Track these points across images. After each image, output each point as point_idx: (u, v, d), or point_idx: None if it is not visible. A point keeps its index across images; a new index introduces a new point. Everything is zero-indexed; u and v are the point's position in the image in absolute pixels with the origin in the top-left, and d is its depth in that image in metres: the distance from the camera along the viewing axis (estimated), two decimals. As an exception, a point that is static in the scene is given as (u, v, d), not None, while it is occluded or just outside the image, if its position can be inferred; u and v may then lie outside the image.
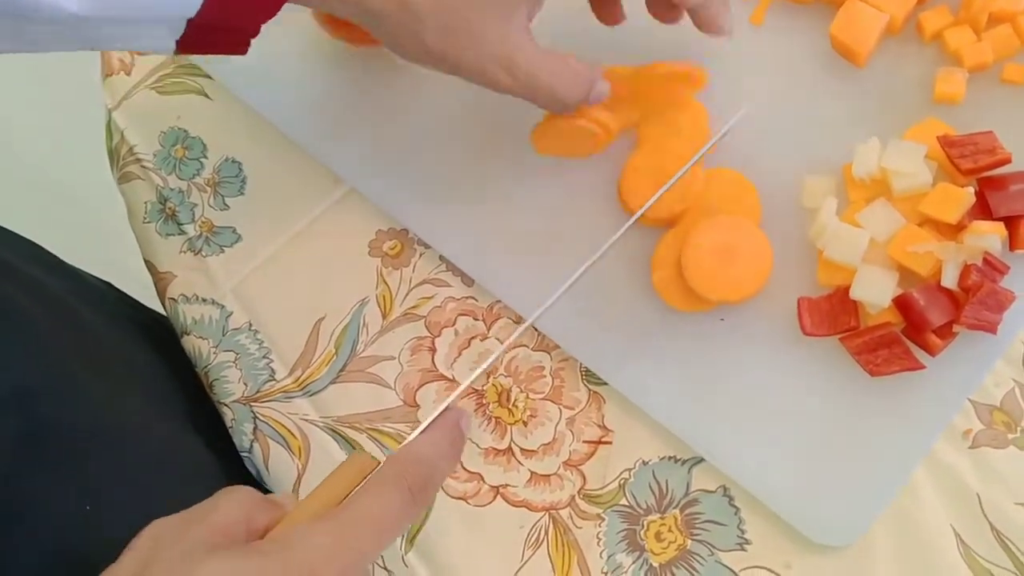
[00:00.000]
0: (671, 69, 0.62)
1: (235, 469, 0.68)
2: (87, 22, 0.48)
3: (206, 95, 0.76)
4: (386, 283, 0.69)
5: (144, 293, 0.79)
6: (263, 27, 0.53)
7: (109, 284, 0.85)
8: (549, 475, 0.63)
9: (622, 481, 0.62)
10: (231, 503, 0.44)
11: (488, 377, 0.66)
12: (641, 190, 0.64)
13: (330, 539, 0.42)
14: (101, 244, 1.00)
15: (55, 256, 0.77)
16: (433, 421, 0.49)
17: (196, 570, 0.40)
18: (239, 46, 0.54)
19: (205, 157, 0.75)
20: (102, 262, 0.86)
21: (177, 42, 0.51)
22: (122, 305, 0.84)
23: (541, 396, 0.65)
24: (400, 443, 0.63)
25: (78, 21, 0.47)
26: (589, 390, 0.64)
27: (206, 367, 0.70)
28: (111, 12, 0.48)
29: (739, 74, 0.66)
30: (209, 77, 0.76)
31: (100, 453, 0.60)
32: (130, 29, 0.50)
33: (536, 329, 0.66)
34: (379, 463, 0.47)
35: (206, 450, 0.70)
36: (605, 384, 0.64)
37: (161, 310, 0.75)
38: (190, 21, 0.50)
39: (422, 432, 0.49)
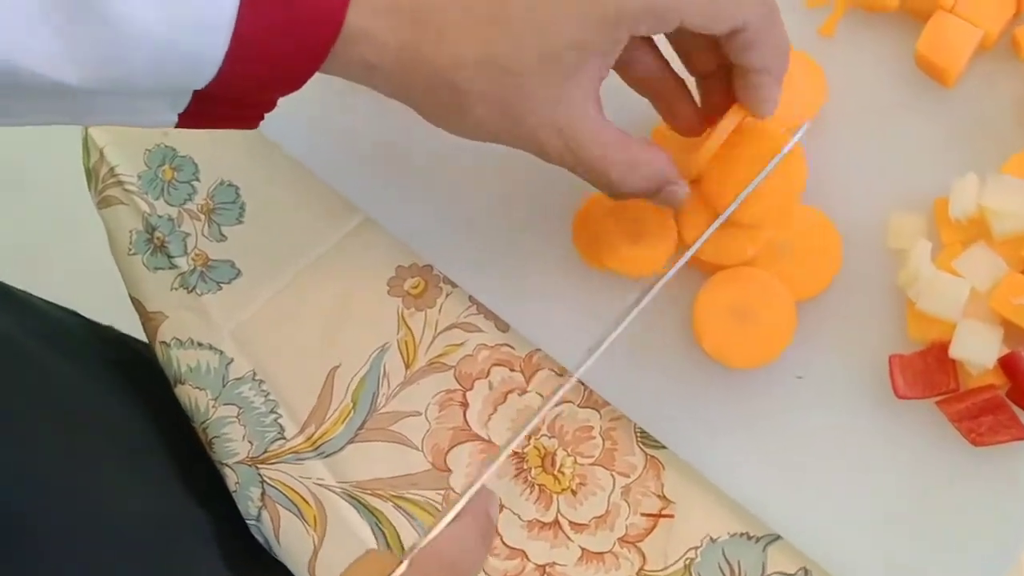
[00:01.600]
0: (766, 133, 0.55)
1: (240, 538, 0.61)
2: (83, 95, 0.41)
3: (196, 108, 0.67)
4: (408, 327, 0.61)
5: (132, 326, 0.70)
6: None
7: (75, 314, 0.77)
8: (603, 553, 0.56)
9: (687, 561, 0.55)
10: None
11: (529, 438, 0.58)
12: (699, 224, 0.56)
13: None
14: (85, 272, 0.90)
15: (28, 299, 0.68)
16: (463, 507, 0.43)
17: None
18: (251, 120, 0.48)
19: (197, 180, 0.67)
20: (84, 292, 0.77)
21: (180, 115, 0.45)
22: (93, 340, 0.75)
23: (591, 461, 0.57)
24: (431, 514, 0.56)
25: (74, 94, 0.41)
26: (646, 454, 0.57)
27: (204, 423, 0.62)
28: (112, 82, 0.41)
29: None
30: (199, 87, 0.67)
31: (64, 549, 0.52)
32: (129, 102, 0.43)
33: (583, 383, 0.58)
34: (399, 562, 0.40)
35: (203, 515, 0.62)
36: (664, 448, 0.57)
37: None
38: (198, 92, 0.43)
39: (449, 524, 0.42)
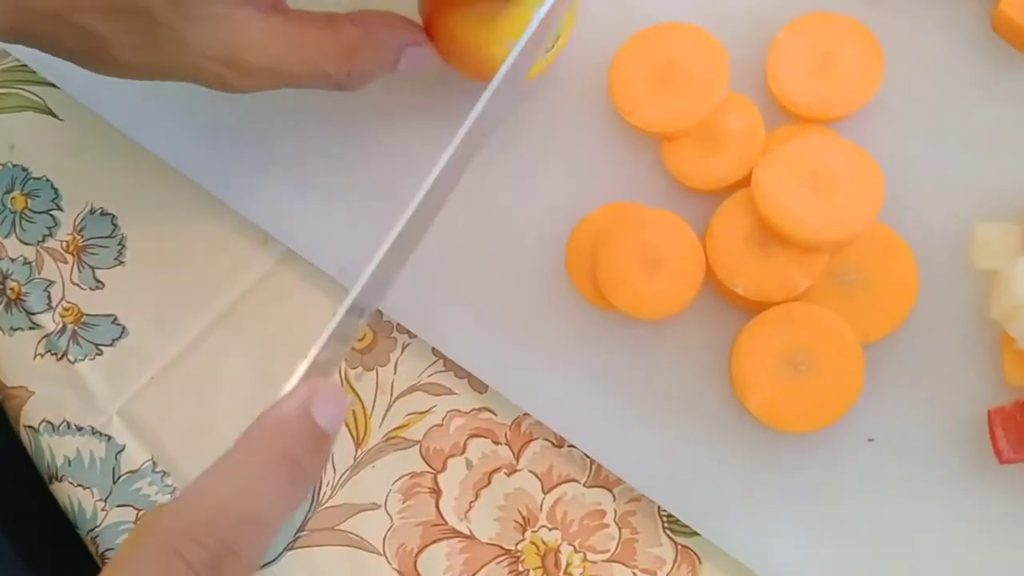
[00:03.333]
0: None
1: None
2: None
3: (52, 113, 0.54)
4: (355, 392, 0.49)
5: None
6: None
7: None
8: (631, 677, 0.44)
9: None
10: None
11: (524, 530, 0.46)
12: (737, 262, 0.45)
13: None
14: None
15: None
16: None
17: None
18: None
19: (59, 208, 0.53)
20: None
21: None
22: None
23: (605, 556, 0.46)
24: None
25: None
26: (676, 545, 0.46)
27: (93, 531, 0.49)
28: None
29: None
30: (53, 85, 0.53)
31: None
32: None
33: (588, 456, 0.47)
34: None
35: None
36: (698, 535, 0.45)
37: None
38: None
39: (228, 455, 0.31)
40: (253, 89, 0.43)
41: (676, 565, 0.45)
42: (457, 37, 0.45)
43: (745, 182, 0.45)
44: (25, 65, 0.53)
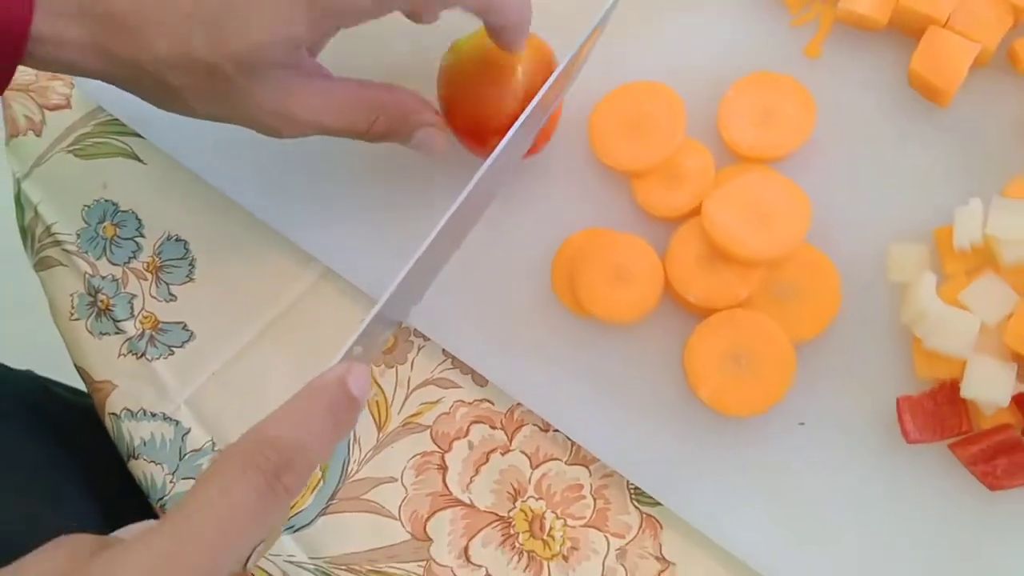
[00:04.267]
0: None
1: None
2: None
3: (137, 158, 0.63)
4: (379, 385, 0.57)
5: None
6: None
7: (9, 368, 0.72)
8: (601, 623, 0.52)
9: (692, 627, 0.51)
10: (42, 559, 0.36)
11: (515, 500, 0.54)
12: (688, 264, 0.53)
13: (161, 555, 0.34)
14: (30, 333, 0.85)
15: None
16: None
17: None
18: None
19: (142, 235, 0.62)
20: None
21: None
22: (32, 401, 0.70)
23: (582, 522, 0.53)
24: (414, 590, 0.52)
25: None
26: (641, 513, 0.53)
27: (162, 500, 0.57)
28: None
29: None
30: (139, 136, 0.63)
31: None
32: None
33: (570, 439, 0.54)
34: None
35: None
36: (660, 505, 0.53)
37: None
38: None
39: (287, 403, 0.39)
40: (297, 136, 0.51)
41: (641, 530, 0.53)
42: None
43: (698, 211, 0.53)
44: (117, 119, 0.63)
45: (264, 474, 0.36)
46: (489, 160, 0.46)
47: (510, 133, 0.47)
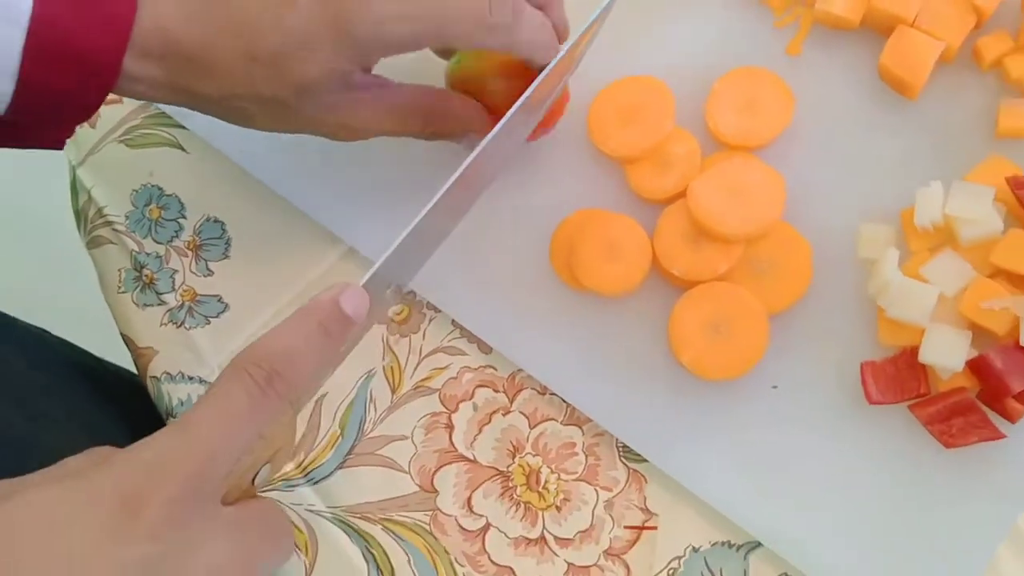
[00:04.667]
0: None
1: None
2: None
3: (181, 147, 0.69)
4: (393, 353, 0.62)
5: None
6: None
7: (66, 341, 0.79)
8: (588, 567, 0.57)
9: (671, 571, 0.56)
10: (77, 458, 0.41)
11: (514, 456, 0.59)
12: (676, 242, 0.57)
13: (163, 448, 0.39)
14: (78, 314, 0.92)
15: None
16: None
17: (7, 502, 0.37)
18: (55, 145, 0.54)
19: (184, 217, 0.68)
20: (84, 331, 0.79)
21: None
22: (72, 361, 0.77)
23: (574, 477, 0.58)
24: (420, 535, 0.58)
25: None
26: (628, 468, 0.58)
27: (196, 454, 0.63)
28: None
29: (776, 110, 0.60)
30: (183, 127, 0.69)
31: None
32: None
33: (565, 401, 0.59)
34: None
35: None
36: (645, 461, 0.58)
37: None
38: None
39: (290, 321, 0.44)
40: (358, 140, 0.57)
41: (628, 484, 0.58)
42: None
43: (684, 194, 0.57)
44: (163, 112, 0.70)
45: (255, 379, 0.41)
46: (482, 144, 0.50)
47: (504, 119, 0.51)
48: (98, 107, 0.51)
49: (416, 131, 0.57)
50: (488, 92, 0.58)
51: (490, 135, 0.51)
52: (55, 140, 0.54)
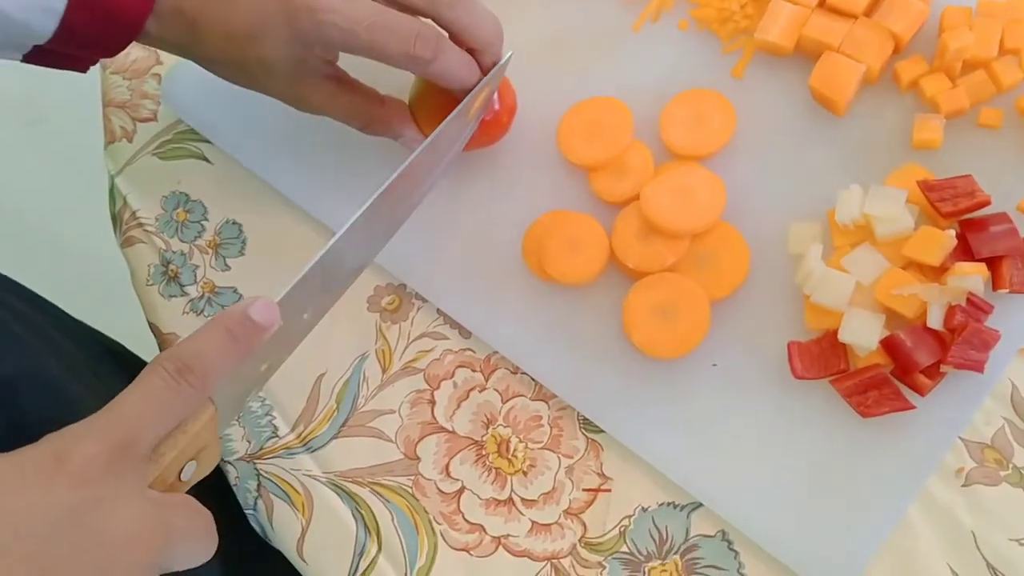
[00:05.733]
0: None
1: (234, 527, 0.69)
2: None
3: (206, 159, 0.78)
4: (385, 337, 0.70)
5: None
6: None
7: (98, 332, 0.87)
8: (550, 524, 0.64)
9: (622, 528, 0.63)
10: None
11: (488, 427, 0.67)
12: (629, 239, 0.65)
13: (91, 420, 0.45)
14: (109, 308, 1.02)
15: (37, 295, 0.80)
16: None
17: None
18: (82, 67, 0.64)
19: (206, 220, 0.77)
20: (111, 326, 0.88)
21: (24, 56, 0.60)
22: (101, 341, 0.86)
23: (540, 445, 0.66)
24: (403, 497, 0.65)
25: None
26: (587, 438, 0.65)
27: (210, 427, 0.71)
28: None
29: (723, 126, 0.68)
30: (208, 142, 0.78)
31: None
32: None
33: (533, 379, 0.67)
34: None
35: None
36: (602, 432, 0.65)
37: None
38: (37, 46, 0.59)
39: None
40: (310, 113, 0.66)
41: (587, 451, 0.65)
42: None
43: (639, 196, 0.65)
44: (192, 129, 0.78)
45: (168, 371, 0.47)
46: (412, 155, 0.61)
47: (430, 137, 0.62)
48: (120, 52, 0.62)
49: (357, 128, 0.67)
50: (427, 106, 0.67)
51: (423, 145, 0.61)
52: (81, 67, 0.64)
